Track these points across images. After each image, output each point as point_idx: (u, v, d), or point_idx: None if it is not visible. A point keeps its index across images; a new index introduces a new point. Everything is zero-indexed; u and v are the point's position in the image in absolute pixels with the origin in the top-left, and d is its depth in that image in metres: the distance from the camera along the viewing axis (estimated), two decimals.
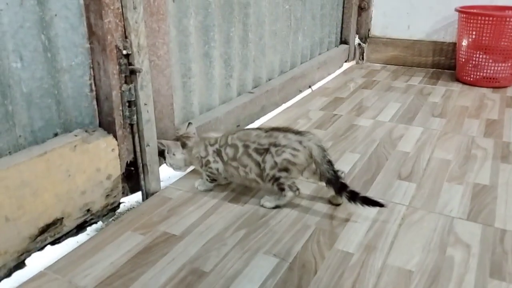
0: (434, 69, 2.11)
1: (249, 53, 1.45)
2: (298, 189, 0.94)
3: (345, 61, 2.22)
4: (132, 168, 0.97)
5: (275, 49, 1.62)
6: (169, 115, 1.09)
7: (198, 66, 1.24)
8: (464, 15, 1.81)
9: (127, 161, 0.96)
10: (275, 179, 0.91)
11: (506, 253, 0.81)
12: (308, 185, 1.03)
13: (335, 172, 0.88)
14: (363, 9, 2.17)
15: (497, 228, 0.89)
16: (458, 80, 1.92)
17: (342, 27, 2.19)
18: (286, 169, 0.90)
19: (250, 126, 1.45)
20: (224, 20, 1.30)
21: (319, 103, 1.68)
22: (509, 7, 1.87)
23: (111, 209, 0.95)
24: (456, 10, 1.84)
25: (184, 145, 1.01)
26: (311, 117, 1.53)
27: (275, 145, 0.89)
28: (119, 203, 0.97)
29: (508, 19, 1.72)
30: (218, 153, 0.96)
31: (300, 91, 1.79)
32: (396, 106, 1.63)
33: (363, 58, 2.27)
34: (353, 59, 2.27)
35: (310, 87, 1.86)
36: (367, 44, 2.24)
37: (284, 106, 1.66)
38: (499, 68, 1.79)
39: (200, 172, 1.03)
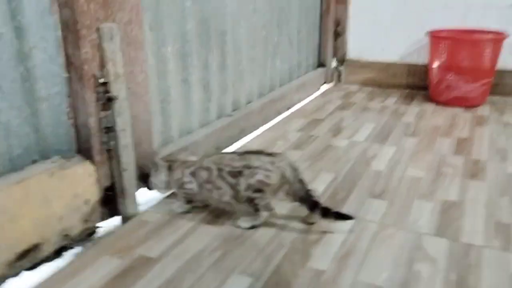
0: (409, 90, 2.18)
1: (227, 78, 1.49)
2: (273, 209, 0.97)
3: (324, 83, 2.29)
4: (110, 193, 1.00)
5: (254, 73, 1.67)
6: (148, 140, 1.12)
7: (177, 91, 1.27)
8: (434, 39, 1.89)
9: (105, 186, 0.98)
10: (250, 200, 0.94)
11: (471, 267, 0.85)
12: (283, 204, 1.06)
13: (308, 190, 0.92)
14: (338, 33, 2.25)
15: (463, 243, 0.93)
16: (431, 100, 1.99)
17: (319, 51, 2.26)
18: (260, 190, 0.93)
19: (230, 148, 1.48)
20: (202, 47, 1.34)
21: (298, 125, 1.72)
22: (477, 31, 1.96)
23: (89, 234, 0.97)
24: (427, 34, 1.93)
25: (170, 168, 1.03)
26: (289, 138, 1.57)
27: (248, 167, 0.93)
28: (97, 228, 0.99)
29: (475, 41, 1.80)
30: (193, 175, 0.99)
31: (279, 113, 1.83)
32: (371, 126, 1.68)
33: (340, 80, 2.34)
34: (331, 81, 2.34)
35: (289, 108, 1.91)
36: (344, 66, 2.31)
37: (263, 128, 1.70)
38: (469, 89, 1.87)
39: (178, 195, 1.05)
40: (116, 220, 1.03)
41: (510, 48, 1.95)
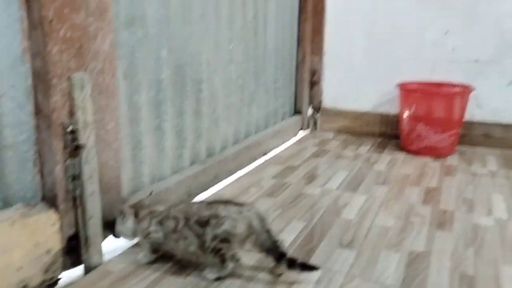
0: (381, 139, 2.24)
1: (202, 124, 1.51)
2: (239, 259, 0.96)
3: (300, 130, 2.33)
4: (74, 242, 0.98)
5: (229, 120, 1.70)
6: (116, 187, 1.11)
7: (150, 138, 1.28)
8: (404, 91, 1.97)
9: (69, 235, 0.96)
10: (216, 251, 0.93)
11: None
12: (250, 255, 1.05)
13: (274, 241, 0.92)
14: (314, 83, 2.32)
15: None
16: (402, 149, 2.05)
17: (295, 99, 2.32)
18: (226, 240, 0.92)
19: (202, 195, 1.48)
20: (176, 95, 1.37)
21: (272, 171, 1.73)
22: (445, 84, 2.05)
23: (49, 285, 0.94)
24: (397, 86, 2.01)
25: (136, 214, 1.02)
26: (263, 186, 1.58)
27: (215, 216, 0.92)
28: (59, 279, 0.96)
29: (443, 94, 1.88)
30: (160, 224, 0.98)
31: (255, 160, 1.85)
32: (344, 174, 1.71)
33: (316, 127, 2.39)
34: (307, 128, 2.39)
35: (264, 155, 1.93)
36: (319, 114, 2.36)
37: (238, 174, 1.70)
38: (439, 139, 1.93)
39: (144, 245, 1.04)
40: (79, 270, 1.01)
41: (476, 100, 2.04)
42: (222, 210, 0.93)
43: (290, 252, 1.09)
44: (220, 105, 1.62)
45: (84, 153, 0.94)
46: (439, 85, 2.06)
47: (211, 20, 1.49)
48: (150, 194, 1.08)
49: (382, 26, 2.15)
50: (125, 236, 1.04)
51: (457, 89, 1.99)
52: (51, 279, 0.94)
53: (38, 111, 0.90)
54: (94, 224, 0.99)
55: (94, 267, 1.00)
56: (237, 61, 1.70)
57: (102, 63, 1.01)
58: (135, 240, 1.09)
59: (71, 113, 0.92)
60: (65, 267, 0.97)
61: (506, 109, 2.02)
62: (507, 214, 1.34)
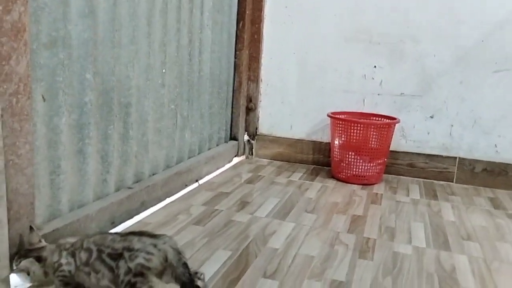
0: (314, 166, 2.30)
1: (129, 149, 1.47)
2: None
3: (235, 156, 2.34)
4: None
5: (160, 145, 1.67)
6: (29, 215, 1.04)
7: (70, 162, 1.22)
8: (334, 120, 2.04)
9: None
10: (131, 285, 0.89)
11: None
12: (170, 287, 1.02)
13: (191, 275, 0.89)
14: (250, 109, 2.35)
15: None
16: (333, 176, 2.11)
17: (231, 125, 2.33)
18: (141, 274, 0.89)
19: (127, 222, 1.42)
20: (101, 119, 1.32)
21: (203, 198, 1.71)
22: (374, 114, 2.16)
23: None
24: (328, 115, 2.08)
25: (39, 259, 0.95)
26: (191, 213, 1.55)
27: (128, 249, 0.89)
28: None
29: (371, 124, 1.97)
30: (72, 255, 0.93)
31: (186, 186, 1.82)
32: (275, 201, 1.72)
33: (252, 154, 2.41)
34: (243, 154, 2.40)
35: (197, 181, 1.91)
36: (255, 140, 2.39)
37: (168, 200, 1.66)
38: (367, 167, 2.01)
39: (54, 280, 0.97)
40: None
41: (401, 131, 2.16)
42: (136, 242, 0.89)
43: (212, 284, 1.07)
44: (150, 129, 1.59)
45: None
46: (368, 116, 2.16)
47: (143, 44, 1.47)
48: (30, 231, 1.00)
49: (314, 58, 2.24)
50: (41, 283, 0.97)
51: (384, 121, 2.09)
52: None
53: None
54: (0, 256, 0.91)
55: None
56: (169, 85, 1.68)
57: (16, 85, 0.95)
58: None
59: None
60: None
61: (428, 140, 2.15)
62: (425, 243, 1.41)
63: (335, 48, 2.20)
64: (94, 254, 0.91)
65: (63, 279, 0.94)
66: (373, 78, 2.17)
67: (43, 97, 1.09)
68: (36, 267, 0.94)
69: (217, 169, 2.12)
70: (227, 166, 2.22)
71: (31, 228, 1.00)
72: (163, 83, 1.63)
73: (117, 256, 0.89)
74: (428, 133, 2.14)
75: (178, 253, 0.90)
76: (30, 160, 1.02)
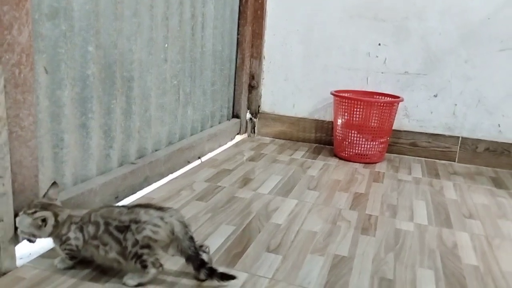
0: (316, 144, 2.29)
1: (132, 124, 1.46)
2: (161, 265, 0.93)
3: (237, 134, 2.33)
4: None
5: (162, 120, 1.66)
6: (33, 187, 1.04)
7: (73, 136, 1.21)
8: (337, 98, 2.03)
9: None
10: (138, 257, 0.90)
11: None
12: (174, 260, 1.03)
13: (196, 248, 0.90)
14: (253, 87, 2.33)
15: None
16: (335, 155, 2.10)
17: (234, 103, 2.32)
18: (148, 246, 0.89)
19: (131, 197, 1.43)
20: (104, 93, 1.31)
21: (206, 175, 1.71)
22: (377, 93, 2.14)
23: None
24: (331, 93, 2.06)
25: (56, 216, 0.94)
26: (194, 189, 1.55)
27: (135, 221, 0.89)
28: None
29: (374, 103, 1.96)
30: (80, 230, 0.93)
31: (189, 162, 1.82)
32: (277, 178, 1.72)
33: (254, 132, 2.40)
34: (245, 132, 2.39)
35: (199, 158, 1.90)
36: (257, 119, 2.38)
37: (170, 177, 1.66)
38: (369, 146, 2.00)
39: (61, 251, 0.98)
40: None
41: (404, 111, 2.14)
42: (143, 215, 0.89)
43: (217, 257, 1.08)
44: (153, 104, 1.57)
45: None
46: (371, 94, 2.14)
47: (145, 17, 1.45)
48: (52, 185, 0.99)
49: (318, 35, 2.21)
50: (31, 237, 0.95)
51: (387, 99, 2.08)
52: None
53: None
54: (6, 226, 0.91)
55: (5, 273, 0.93)
56: (172, 60, 1.66)
57: (19, 56, 0.94)
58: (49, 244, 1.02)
59: None
60: None
61: (431, 120, 2.14)
62: (427, 220, 1.42)
63: (339, 25, 2.17)
64: (102, 227, 0.91)
65: (69, 252, 0.95)
66: (377, 56, 2.14)
67: (45, 69, 1.08)
68: (51, 222, 0.93)
69: (219, 146, 2.11)
70: (229, 144, 2.21)
71: (54, 183, 0.99)
72: (165, 58, 1.61)
73: (124, 228, 0.89)
74: (431, 112, 2.13)
75: (185, 226, 0.90)
76: (34, 132, 1.01)
